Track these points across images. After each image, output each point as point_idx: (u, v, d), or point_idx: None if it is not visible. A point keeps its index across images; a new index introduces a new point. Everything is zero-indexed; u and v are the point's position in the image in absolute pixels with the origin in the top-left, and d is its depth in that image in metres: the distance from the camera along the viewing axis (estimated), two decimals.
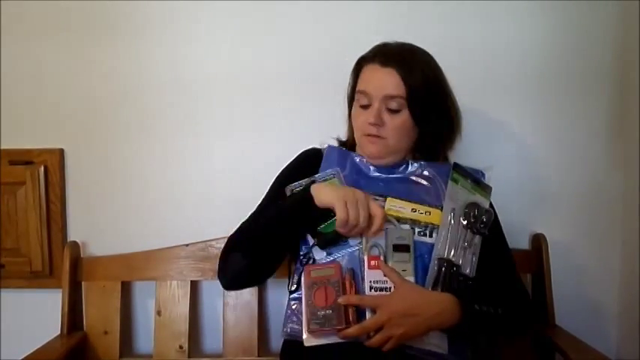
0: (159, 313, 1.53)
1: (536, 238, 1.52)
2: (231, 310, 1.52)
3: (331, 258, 1.11)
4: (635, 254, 1.47)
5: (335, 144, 1.30)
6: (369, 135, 1.17)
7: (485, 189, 1.21)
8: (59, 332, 1.49)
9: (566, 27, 1.53)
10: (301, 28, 1.55)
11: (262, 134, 1.56)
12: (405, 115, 1.16)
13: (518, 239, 1.52)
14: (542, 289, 1.48)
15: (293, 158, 1.29)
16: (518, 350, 1.47)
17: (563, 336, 1.43)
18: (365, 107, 1.17)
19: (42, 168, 1.56)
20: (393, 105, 1.15)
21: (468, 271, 1.12)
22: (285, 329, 1.11)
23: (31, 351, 1.37)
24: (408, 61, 1.16)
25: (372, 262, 1.07)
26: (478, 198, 1.18)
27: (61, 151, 1.58)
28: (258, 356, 1.51)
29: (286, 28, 1.55)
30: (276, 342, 1.56)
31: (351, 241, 1.11)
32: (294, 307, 1.11)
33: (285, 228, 1.13)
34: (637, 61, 1.47)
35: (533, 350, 1.48)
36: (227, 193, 1.57)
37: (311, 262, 1.12)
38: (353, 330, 1.02)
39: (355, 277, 1.08)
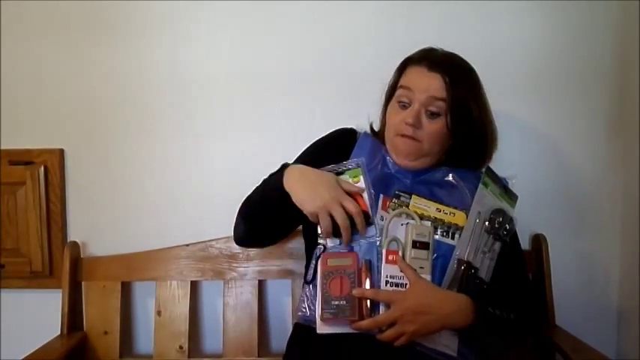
0: (159, 313, 1.53)
1: (537, 238, 1.52)
2: (231, 310, 1.52)
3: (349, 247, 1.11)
4: (635, 254, 1.47)
5: (368, 130, 1.28)
6: (403, 135, 1.15)
7: (512, 197, 1.21)
8: (59, 332, 1.49)
9: (565, 27, 1.53)
10: (301, 28, 1.55)
11: (262, 134, 1.56)
12: (443, 121, 1.14)
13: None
14: (542, 289, 1.48)
15: (328, 133, 1.28)
16: (518, 350, 1.47)
17: (563, 336, 1.42)
18: (404, 106, 1.16)
19: (42, 168, 1.56)
20: (434, 108, 1.13)
21: (484, 275, 1.12)
22: (299, 313, 1.11)
23: (31, 351, 1.36)
24: (454, 70, 1.16)
25: (390, 257, 1.07)
26: (505, 205, 1.18)
27: (61, 151, 1.57)
28: (258, 356, 1.50)
29: (286, 28, 1.55)
30: (277, 342, 1.57)
31: (370, 231, 1.10)
32: (309, 293, 1.10)
33: (274, 211, 1.16)
34: (636, 61, 1.47)
35: (533, 350, 1.48)
36: (227, 193, 1.55)
37: (323, 250, 1.12)
38: (365, 323, 1.03)
39: (372, 268, 1.08)
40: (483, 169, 1.19)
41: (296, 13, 1.54)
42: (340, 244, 1.11)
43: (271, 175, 1.20)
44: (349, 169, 1.15)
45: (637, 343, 1.45)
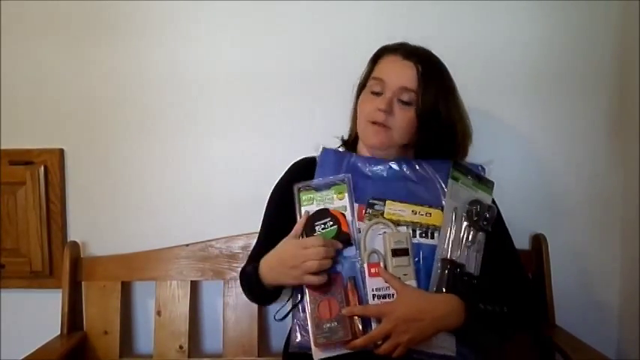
0: (159, 313, 1.53)
1: (537, 238, 1.52)
2: (231, 310, 1.52)
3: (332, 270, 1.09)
4: (635, 254, 1.47)
5: (338, 144, 1.30)
6: (374, 123, 1.16)
7: (487, 184, 1.20)
8: (59, 332, 1.50)
9: (565, 27, 1.53)
10: (301, 28, 1.55)
11: (262, 134, 1.56)
12: (414, 110, 1.16)
13: (518, 239, 1.46)
14: (542, 289, 1.48)
15: (284, 172, 1.29)
16: (518, 350, 1.47)
17: (563, 336, 1.42)
18: (376, 94, 1.18)
19: (42, 168, 1.56)
20: (406, 97, 1.16)
21: (472, 269, 1.11)
22: (292, 343, 1.10)
23: (31, 351, 1.36)
24: (427, 62, 1.19)
25: (372, 270, 1.06)
26: (480, 194, 1.17)
27: (61, 151, 1.58)
28: (258, 356, 1.51)
29: (286, 28, 1.55)
30: (277, 342, 1.56)
31: (351, 250, 1.09)
32: (301, 319, 1.09)
33: (263, 295, 1.19)
34: (636, 61, 1.47)
35: (533, 350, 1.48)
36: (227, 193, 1.57)
37: None
38: (360, 341, 1.02)
39: (357, 285, 1.07)
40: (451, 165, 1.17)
41: (296, 13, 1.54)
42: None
43: (249, 273, 1.19)
44: (335, 185, 1.14)
45: (637, 343, 1.45)
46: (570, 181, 1.55)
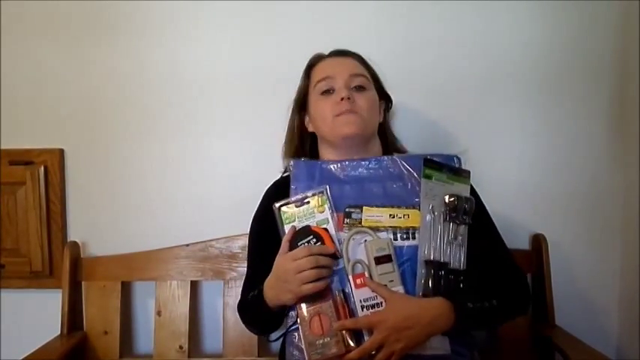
0: (159, 313, 1.53)
1: (536, 238, 1.51)
2: (231, 310, 1.51)
3: None
4: (635, 254, 1.47)
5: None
6: (341, 114, 1.16)
7: (463, 174, 1.16)
8: (59, 332, 1.50)
9: (566, 26, 1.53)
10: (301, 28, 1.55)
11: (262, 134, 1.55)
12: (371, 92, 1.21)
13: (518, 239, 1.52)
14: (542, 289, 1.48)
15: (257, 206, 1.28)
16: (518, 350, 1.47)
17: (563, 336, 1.42)
18: (327, 93, 1.20)
19: (42, 168, 1.56)
20: (358, 82, 1.20)
21: (458, 264, 1.09)
22: None
23: (31, 351, 1.36)
24: (358, 54, 1.27)
25: (358, 281, 1.06)
26: (456, 187, 1.14)
27: (61, 152, 1.58)
28: (258, 356, 1.50)
29: (286, 28, 1.55)
30: (276, 342, 1.56)
31: (340, 263, 1.08)
32: (294, 337, 1.09)
33: (264, 320, 1.18)
34: (637, 61, 1.47)
35: (532, 350, 1.48)
36: (227, 193, 1.57)
37: None
38: (354, 354, 1.02)
39: (347, 298, 1.07)
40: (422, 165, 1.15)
41: (296, 13, 1.54)
42: None
43: (253, 297, 1.18)
44: (314, 198, 1.13)
45: (637, 343, 1.45)
46: (571, 180, 1.55)
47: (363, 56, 1.27)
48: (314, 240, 1.08)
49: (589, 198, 1.55)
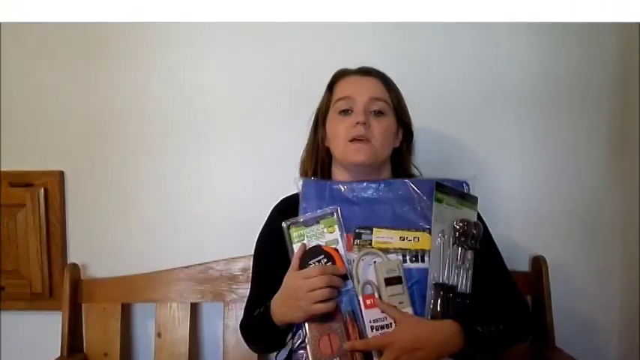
0: (159, 335, 1.53)
1: (536, 260, 1.51)
2: (231, 332, 1.51)
3: None
4: (636, 275, 1.47)
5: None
6: (354, 140, 1.16)
7: (471, 200, 1.17)
8: (59, 354, 1.49)
9: (566, 48, 1.53)
10: (302, 49, 1.55)
11: (263, 155, 1.56)
12: (389, 119, 1.19)
13: (518, 261, 1.52)
14: (542, 310, 1.48)
15: (266, 220, 1.27)
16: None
17: (563, 358, 1.42)
18: (346, 113, 1.19)
19: (42, 190, 1.56)
20: (377, 107, 1.18)
21: (464, 288, 1.10)
22: None
23: None
24: (384, 75, 1.24)
25: (368, 301, 1.05)
26: (465, 212, 1.15)
27: (61, 174, 1.58)
28: None
29: (287, 50, 1.56)
30: None
31: (348, 284, 1.07)
32: (301, 357, 1.08)
33: (269, 338, 1.16)
34: (637, 82, 1.47)
35: None
36: (227, 216, 1.56)
37: None
38: None
39: (356, 318, 1.06)
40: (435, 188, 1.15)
41: (296, 35, 1.55)
42: None
43: (259, 315, 1.16)
44: (324, 218, 1.12)
45: None
46: (571, 202, 1.55)
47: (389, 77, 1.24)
48: (325, 260, 1.07)
49: (589, 219, 1.55)
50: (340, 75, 1.25)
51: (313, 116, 1.28)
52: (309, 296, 1.04)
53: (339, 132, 1.19)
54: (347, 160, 1.19)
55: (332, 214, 1.12)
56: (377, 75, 1.22)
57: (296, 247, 1.11)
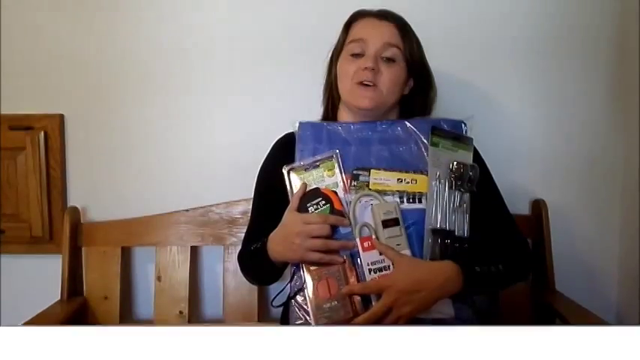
0: (159, 278, 1.53)
1: (536, 203, 1.52)
2: (231, 275, 1.52)
3: None
4: (635, 218, 1.47)
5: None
6: (361, 83, 1.15)
7: (466, 141, 1.16)
8: (59, 297, 1.50)
9: None
10: None
11: (262, 99, 1.55)
12: (400, 66, 1.17)
13: (518, 204, 1.52)
14: (542, 254, 1.48)
15: (267, 154, 1.27)
16: (518, 315, 1.47)
17: (562, 301, 1.42)
18: (357, 56, 1.17)
19: (42, 133, 1.55)
20: (389, 53, 1.16)
21: (462, 231, 1.10)
22: (292, 324, 1.09)
23: (32, 316, 1.36)
24: (401, 20, 1.21)
25: (365, 244, 1.05)
26: (460, 155, 1.13)
27: (61, 117, 1.57)
28: (259, 321, 1.51)
29: None
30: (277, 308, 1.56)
31: (342, 229, 1.08)
32: (300, 300, 1.08)
33: (265, 271, 1.18)
34: (636, 28, 1.46)
35: (532, 315, 1.49)
36: (227, 158, 1.56)
37: None
38: (362, 319, 1.01)
39: (354, 261, 1.06)
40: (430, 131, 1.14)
41: None
42: None
43: (255, 249, 1.17)
44: (324, 162, 1.12)
45: (637, 308, 1.46)
46: (570, 145, 1.55)
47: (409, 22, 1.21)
48: (323, 202, 1.07)
49: (589, 162, 1.55)
50: (358, 16, 1.22)
51: (329, 55, 1.27)
52: (307, 243, 1.04)
53: (347, 73, 1.17)
54: (352, 103, 1.18)
55: (331, 157, 1.12)
56: (394, 20, 1.19)
57: (296, 189, 1.11)
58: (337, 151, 1.12)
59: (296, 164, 1.13)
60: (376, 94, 1.15)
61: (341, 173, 1.11)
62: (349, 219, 1.08)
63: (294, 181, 1.12)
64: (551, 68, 1.54)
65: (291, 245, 1.06)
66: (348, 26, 1.23)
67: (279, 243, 1.09)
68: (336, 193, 1.09)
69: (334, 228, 1.07)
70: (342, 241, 1.06)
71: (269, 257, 1.11)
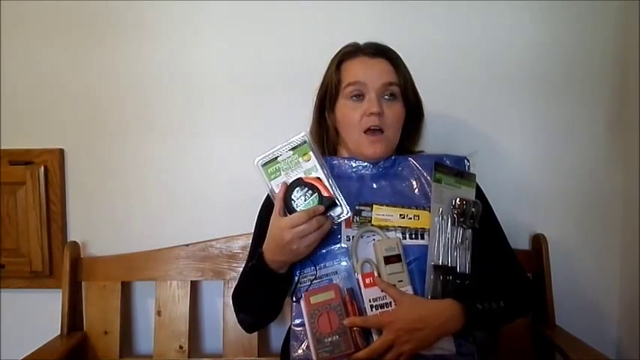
0: (159, 313, 1.53)
1: (537, 238, 1.52)
2: (231, 310, 1.47)
3: (326, 280, 1.09)
4: (636, 254, 1.47)
5: None
6: (369, 130, 1.13)
7: (469, 178, 1.16)
8: (59, 332, 1.49)
9: (566, 27, 1.53)
10: (301, 28, 1.55)
11: (263, 134, 1.55)
12: (399, 102, 1.17)
13: (518, 239, 1.51)
14: (542, 289, 1.48)
15: (265, 197, 1.24)
16: (518, 350, 1.47)
17: (563, 336, 1.42)
18: (357, 98, 1.15)
19: (42, 168, 1.56)
20: (389, 92, 1.15)
21: (464, 268, 1.10)
22: (292, 357, 1.08)
23: (32, 351, 1.36)
24: (392, 53, 1.19)
25: (367, 280, 1.05)
26: (463, 191, 1.14)
27: (61, 151, 1.58)
28: (259, 356, 1.50)
29: (286, 28, 1.55)
30: (277, 342, 1.56)
31: (341, 257, 1.08)
32: (299, 334, 1.08)
33: (265, 292, 1.15)
34: (637, 61, 1.47)
35: (533, 350, 1.48)
36: (227, 193, 1.57)
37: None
38: (363, 353, 1.01)
39: (355, 296, 1.06)
40: (433, 169, 1.14)
41: (296, 13, 1.54)
42: (316, 268, 1.09)
43: (253, 266, 1.15)
44: (297, 148, 1.09)
45: (637, 343, 1.45)
46: (571, 180, 1.55)
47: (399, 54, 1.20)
48: (310, 192, 1.05)
49: (589, 197, 1.55)
50: (348, 54, 1.20)
51: (317, 94, 1.25)
52: (304, 244, 1.04)
53: (352, 120, 1.15)
54: (361, 153, 1.16)
55: (303, 141, 1.10)
56: (386, 56, 1.18)
57: (274, 183, 1.09)
58: (305, 132, 1.10)
59: (266, 155, 1.10)
60: (384, 140, 1.14)
61: (317, 156, 1.09)
62: (339, 202, 1.06)
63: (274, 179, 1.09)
64: (551, 104, 1.54)
65: (290, 252, 1.05)
66: (339, 65, 1.20)
67: (278, 254, 1.07)
68: (319, 178, 1.07)
69: (324, 212, 1.05)
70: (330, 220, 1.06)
71: (269, 269, 1.09)
